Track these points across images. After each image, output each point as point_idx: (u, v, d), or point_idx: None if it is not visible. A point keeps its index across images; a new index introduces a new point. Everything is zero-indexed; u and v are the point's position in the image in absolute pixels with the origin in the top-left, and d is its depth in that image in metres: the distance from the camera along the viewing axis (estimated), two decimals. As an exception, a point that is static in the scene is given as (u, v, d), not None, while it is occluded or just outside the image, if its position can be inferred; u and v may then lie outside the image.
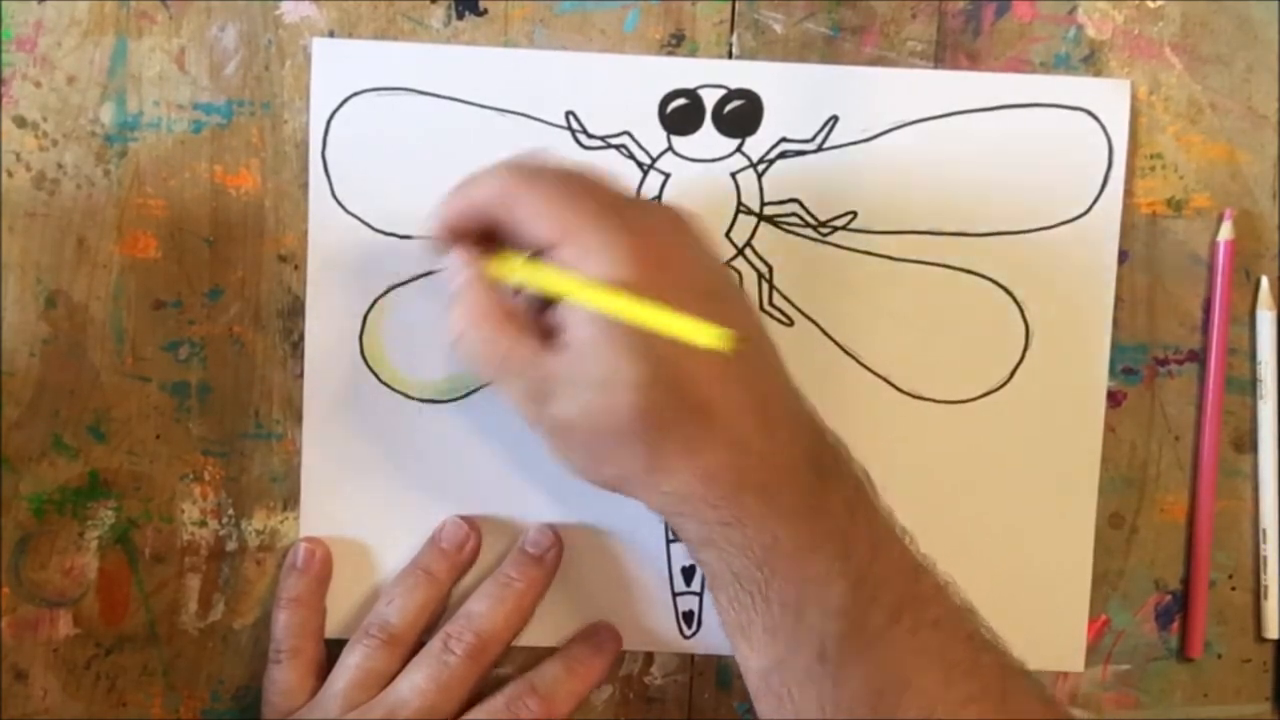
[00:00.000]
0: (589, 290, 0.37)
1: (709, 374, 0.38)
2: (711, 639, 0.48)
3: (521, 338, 0.39)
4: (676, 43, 0.47)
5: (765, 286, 0.48)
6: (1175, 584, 0.49)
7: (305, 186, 0.47)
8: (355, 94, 0.46)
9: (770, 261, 0.48)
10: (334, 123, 0.47)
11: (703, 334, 0.35)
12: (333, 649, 0.47)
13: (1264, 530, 0.49)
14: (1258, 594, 0.49)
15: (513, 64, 0.47)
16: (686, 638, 0.48)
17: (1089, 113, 0.47)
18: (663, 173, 0.47)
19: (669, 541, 0.48)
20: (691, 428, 0.38)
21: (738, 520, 0.39)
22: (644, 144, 0.47)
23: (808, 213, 0.47)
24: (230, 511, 0.48)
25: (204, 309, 0.47)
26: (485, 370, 0.41)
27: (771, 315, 0.48)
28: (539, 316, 0.40)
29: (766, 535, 0.39)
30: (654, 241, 0.39)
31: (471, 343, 0.40)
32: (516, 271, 0.40)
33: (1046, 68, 0.48)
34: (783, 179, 0.47)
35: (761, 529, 0.39)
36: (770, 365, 0.41)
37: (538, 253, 0.40)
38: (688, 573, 0.48)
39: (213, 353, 0.47)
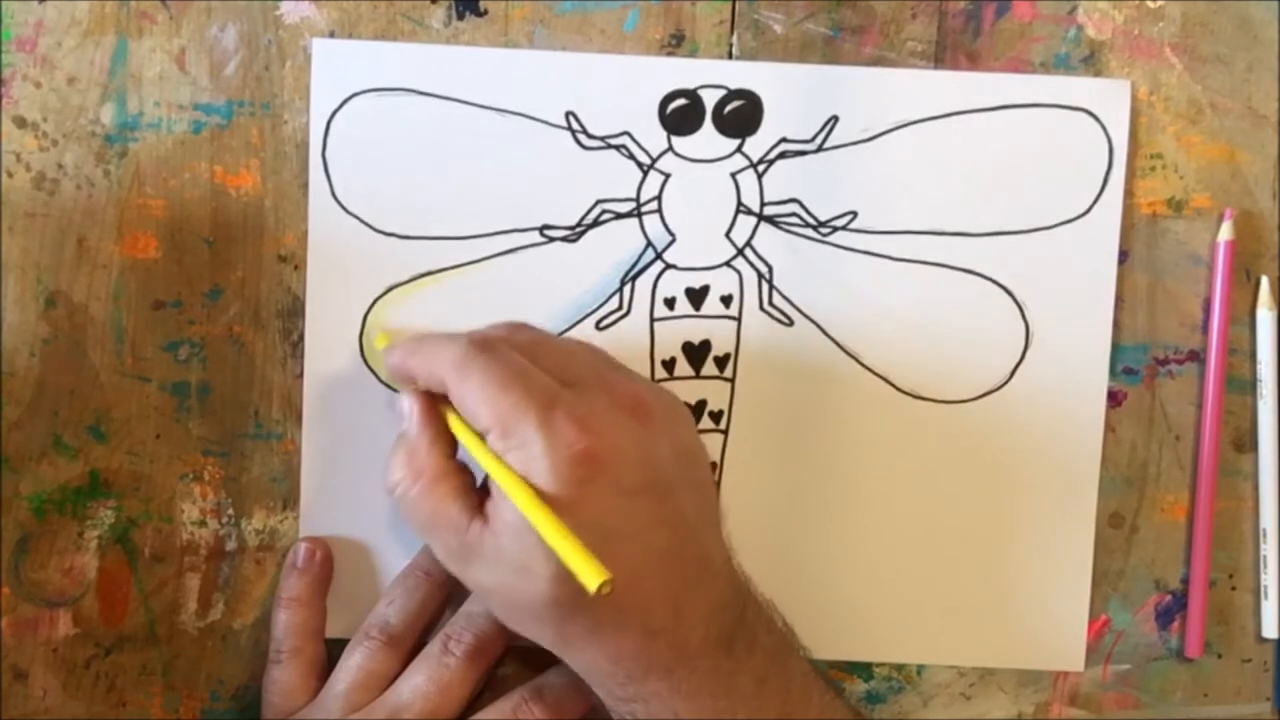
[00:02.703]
0: (510, 483, 0.38)
1: (624, 565, 0.37)
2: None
3: (449, 502, 0.40)
4: (676, 43, 0.47)
5: (765, 286, 0.48)
6: (1175, 584, 0.49)
7: (305, 186, 0.47)
8: (355, 94, 0.46)
9: (770, 261, 0.48)
10: (334, 123, 0.47)
11: (586, 573, 0.36)
12: (333, 649, 0.47)
13: (1264, 530, 0.49)
14: (1258, 594, 0.49)
15: (513, 64, 0.47)
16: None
17: (1089, 113, 0.47)
18: (663, 173, 0.47)
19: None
20: (600, 616, 0.39)
21: (641, 698, 0.40)
22: (644, 144, 0.47)
23: (808, 213, 0.47)
24: (230, 511, 0.48)
25: (204, 309, 0.47)
26: (412, 526, 0.42)
27: (771, 315, 0.48)
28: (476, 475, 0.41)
29: (668, 712, 0.40)
30: (588, 437, 0.38)
31: (404, 498, 0.41)
32: (459, 434, 0.41)
33: (1046, 68, 0.48)
34: (783, 179, 0.47)
35: (664, 707, 0.40)
36: (695, 550, 0.40)
37: None
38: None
39: (213, 353, 0.47)
